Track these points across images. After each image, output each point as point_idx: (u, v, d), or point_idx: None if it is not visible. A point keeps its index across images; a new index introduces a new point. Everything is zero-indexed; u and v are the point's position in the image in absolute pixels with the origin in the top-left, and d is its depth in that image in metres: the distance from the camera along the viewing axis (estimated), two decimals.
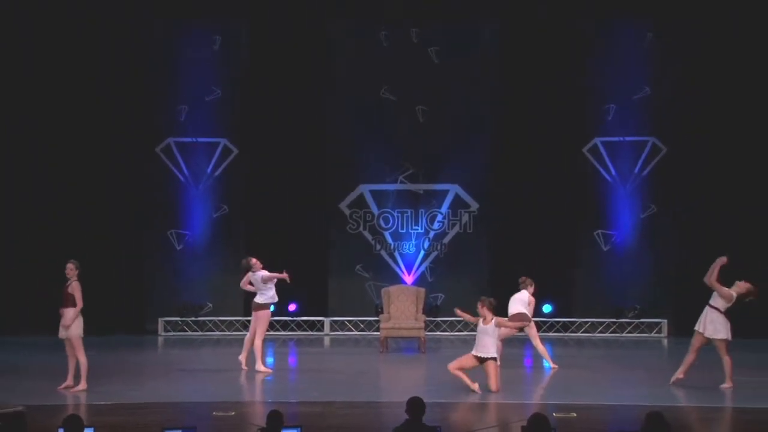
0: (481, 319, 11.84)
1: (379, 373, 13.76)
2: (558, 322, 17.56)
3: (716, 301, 11.86)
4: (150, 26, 17.43)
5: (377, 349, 15.52)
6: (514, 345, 15.29)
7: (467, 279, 17.55)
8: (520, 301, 13.64)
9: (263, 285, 13.38)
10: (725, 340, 11.78)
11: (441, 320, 17.56)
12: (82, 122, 17.09)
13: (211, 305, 17.67)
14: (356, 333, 17.56)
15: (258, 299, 13.42)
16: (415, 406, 7.43)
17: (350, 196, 17.91)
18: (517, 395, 11.71)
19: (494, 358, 11.73)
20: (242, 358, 13.24)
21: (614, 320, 17.48)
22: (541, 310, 17.47)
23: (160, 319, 17.48)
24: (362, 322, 17.61)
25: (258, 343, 13.19)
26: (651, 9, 17.13)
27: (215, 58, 17.77)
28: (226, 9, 17.38)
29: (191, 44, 17.71)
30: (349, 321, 17.72)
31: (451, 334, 17.37)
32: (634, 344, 16.71)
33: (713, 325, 11.79)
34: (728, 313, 11.88)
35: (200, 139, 17.82)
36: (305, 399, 11.32)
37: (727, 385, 11.79)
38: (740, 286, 11.93)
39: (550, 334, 17.30)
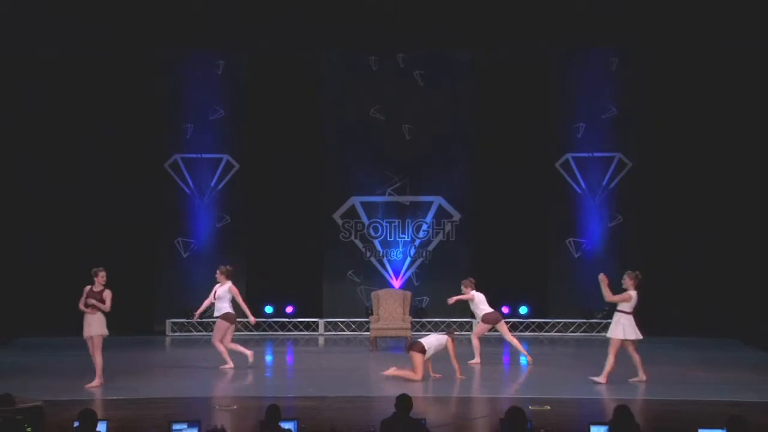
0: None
1: (369, 370, 13.75)
2: (533, 322, 17.61)
3: (623, 306, 11.95)
4: (159, 52, 17.44)
5: (367, 348, 15.53)
6: (492, 344, 15.35)
7: (450, 283, 17.40)
8: (484, 302, 13.71)
9: (227, 296, 13.18)
10: (622, 341, 11.93)
11: (426, 321, 17.57)
12: (96, 141, 17.05)
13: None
14: (348, 333, 17.56)
15: (230, 309, 13.21)
16: (404, 402, 7.49)
17: (343, 207, 17.93)
18: (496, 390, 11.75)
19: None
20: (230, 363, 13.14)
21: (585, 321, 17.53)
22: (518, 311, 17.59)
23: (167, 321, 17.45)
24: (354, 323, 17.61)
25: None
26: (615, 37, 17.22)
27: (218, 80, 17.79)
28: (229, 37, 17.36)
29: (196, 68, 17.73)
30: (342, 322, 17.72)
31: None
32: (603, 343, 16.65)
33: (618, 327, 11.94)
34: (635, 314, 12.03)
35: (204, 155, 17.82)
36: (301, 394, 11.32)
37: (600, 379, 11.88)
38: (629, 283, 12.09)
39: (526, 333, 17.34)
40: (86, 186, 17.05)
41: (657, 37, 16.97)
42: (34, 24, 15.87)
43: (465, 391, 11.50)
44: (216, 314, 13.31)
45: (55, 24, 16.10)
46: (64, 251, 16.63)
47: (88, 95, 17.01)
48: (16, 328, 16.27)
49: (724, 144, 16.92)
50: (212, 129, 17.78)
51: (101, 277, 11.73)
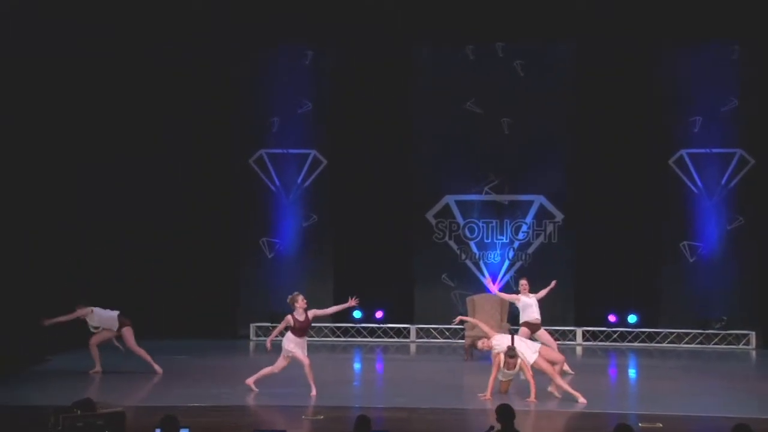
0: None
1: (463, 381, 13.70)
2: (643, 332, 17.27)
3: None
4: (245, 42, 17.65)
5: (462, 357, 15.48)
6: (598, 355, 15.11)
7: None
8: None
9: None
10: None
11: None
12: (181, 136, 17.38)
13: None
14: (441, 340, 17.53)
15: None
16: (506, 412, 7.40)
17: (436, 207, 17.92)
18: (602, 404, 11.56)
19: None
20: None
21: (700, 331, 17.12)
22: (626, 320, 17.30)
23: (251, 325, 17.68)
24: (447, 329, 17.56)
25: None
26: (737, 23, 16.70)
27: (306, 72, 17.94)
28: (317, 26, 17.49)
29: (283, 59, 17.92)
30: (435, 328, 17.70)
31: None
32: (721, 356, 16.31)
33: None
34: None
35: (291, 151, 18.02)
36: (391, 405, 11.35)
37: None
38: None
39: (635, 344, 17.04)
40: (167, 183, 17.37)
41: None
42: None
43: (569, 405, 11.35)
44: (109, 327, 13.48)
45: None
46: (146, 253, 17.00)
47: (174, 93, 17.29)
48: None
49: None
50: (299, 123, 17.95)
51: (301, 301, 11.98)
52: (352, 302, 12.15)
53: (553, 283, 13.97)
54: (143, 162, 17.22)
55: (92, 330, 13.47)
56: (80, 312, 13.37)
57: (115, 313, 13.51)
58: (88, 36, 15.78)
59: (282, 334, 12.09)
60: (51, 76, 15.16)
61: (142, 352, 13.40)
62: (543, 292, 13.93)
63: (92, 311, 13.43)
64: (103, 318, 13.45)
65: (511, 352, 11.63)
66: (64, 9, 15.05)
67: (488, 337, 12.28)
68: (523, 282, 14.11)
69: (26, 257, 14.70)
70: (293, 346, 11.88)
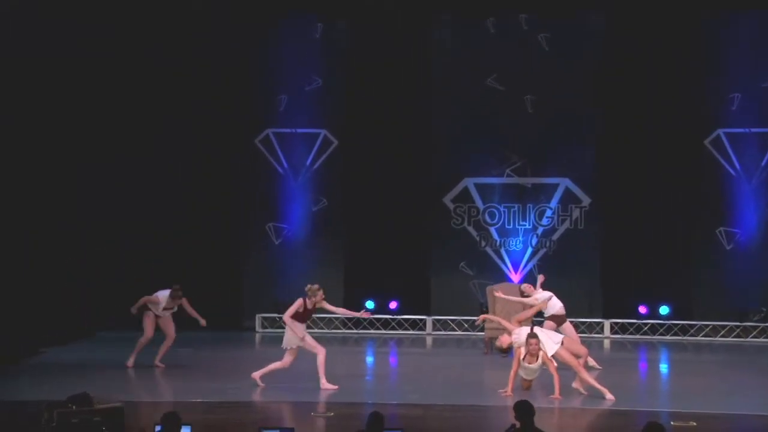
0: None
1: (482, 376, 13.70)
2: (676, 324, 17.23)
3: None
4: (251, 14, 17.61)
5: (481, 350, 15.47)
6: (627, 349, 15.06)
7: (578, 277, 17.31)
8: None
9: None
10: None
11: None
12: (184, 121, 17.38)
13: None
14: (459, 333, 17.52)
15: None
16: (524, 409, 7.37)
17: (454, 190, 17.88)
18: (631, 402, 11.54)
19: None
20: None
21: (738, 324, 17.06)
22: (658, 311, 17.26)
23: (257, 316, 17.71)
24: (466, 321, 17.54)
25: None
26: None
27: (316, 46, 17.90)
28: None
29: (292, 32, 17.87)
30: (452, 320, 17.69)
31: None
32: (760, 350, 16.24)
33: None
34: None
35: (300, 130, 18.01)
36: (405, 401, 11.37)
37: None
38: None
39: (667, 337, 16.99)
40: (170, 170, 17.37)
41: None
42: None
43: (596, 403, 11.33)
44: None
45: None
46: (146, 242, 17.06)
47: (174, 69, 17.30)
48: (99, 321, 16.78)
49: None
50: (308, 100, 17.93)
51: (320, 297, 11.99)
52: (363, 314, 12.29)
53: (541, 277, 13.89)
54: (143, 162, 17.31)
55: (162, 311, 13.44)
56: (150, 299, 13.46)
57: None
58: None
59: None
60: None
61: (169, 342, 13.49)
62: (539, 287, 13.88)
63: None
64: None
65: (532, 333, 11.63)
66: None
67: (509, 333, 12.23)
68: (526, 285, 14.08)
69: (26, 257, 14.97)
70: (301, 330, 11.92)
